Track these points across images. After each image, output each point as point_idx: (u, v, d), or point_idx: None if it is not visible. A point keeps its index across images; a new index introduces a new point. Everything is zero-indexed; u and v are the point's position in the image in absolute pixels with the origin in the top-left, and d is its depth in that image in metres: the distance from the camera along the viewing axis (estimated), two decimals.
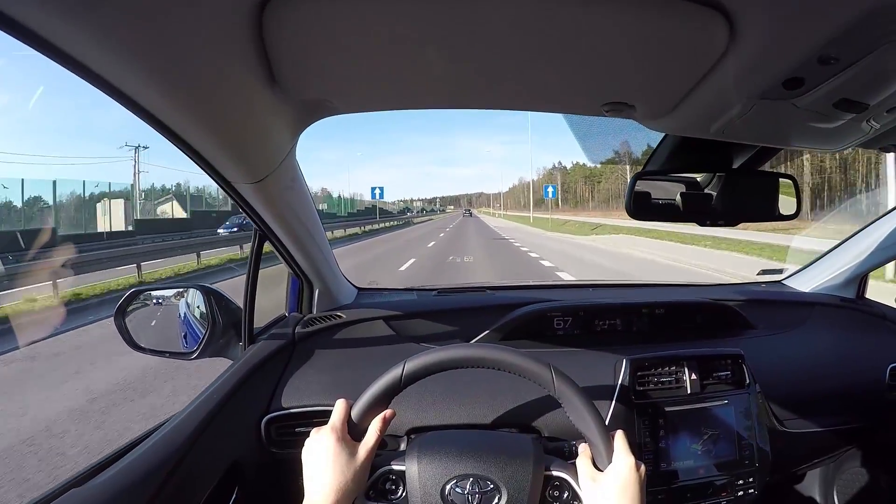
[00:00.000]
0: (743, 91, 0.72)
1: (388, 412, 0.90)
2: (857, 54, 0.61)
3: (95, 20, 0.51)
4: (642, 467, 0.84)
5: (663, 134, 1.05)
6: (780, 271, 2.11)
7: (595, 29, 0.61)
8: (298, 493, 0.84)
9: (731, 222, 1.12)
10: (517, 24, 0.60)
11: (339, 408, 0.89)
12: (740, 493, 1.20)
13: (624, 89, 0.79)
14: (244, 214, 1.15)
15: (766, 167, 1.14)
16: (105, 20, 0.52)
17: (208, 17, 0.56)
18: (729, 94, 0.74)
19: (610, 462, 0.84)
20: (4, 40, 0.55)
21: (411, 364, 0.89)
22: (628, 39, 0.63)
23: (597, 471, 0.85)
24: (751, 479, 1.20)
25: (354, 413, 0.89)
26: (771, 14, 0.57)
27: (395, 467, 0.90)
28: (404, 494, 0.88)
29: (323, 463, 0.83)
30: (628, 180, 1.09)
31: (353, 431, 0.88)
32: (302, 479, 0.85)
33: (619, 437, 0.86)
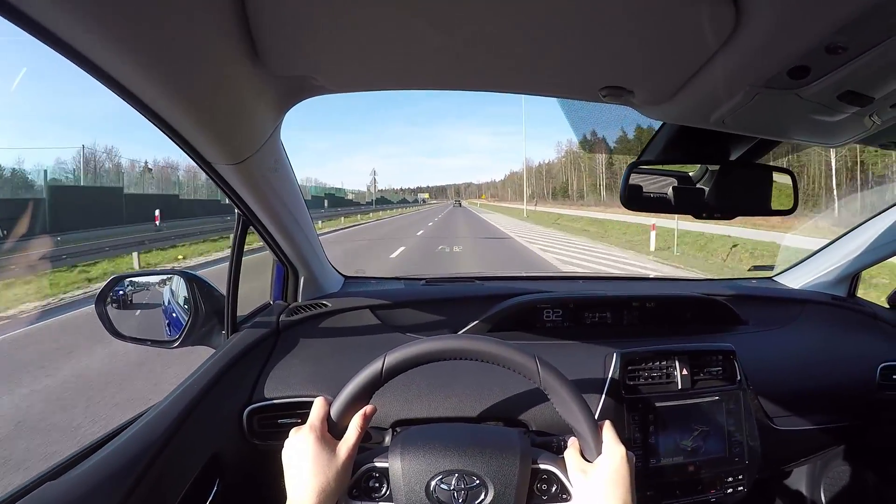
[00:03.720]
0: (746, 78, 0.70)
1: (368, 408, 0.88)
2: (865, 45, 0.59)
3: None
4: (633, 458, 0.83)
5: (660, 123, 1.03)
6: (771, 267, 2.11)
7: (596, 7, 0.59)
8: (280, 486, 0.82)
9: (726, 216, 1.10)
10: (514, 2, 0.58)
11: (317, 406, 0.87)
12: (729, 490, 1.19)
13: (623, 73, 0.76)
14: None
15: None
16: None
17: None
18: (732, 82, 0.72)
19: (599, 453, 0.83)
20: None
21: (392, 357, 0.86)
22: (630, 20, 0.61)
23: (586, 462, 0.84)
24: (740, 476, 1.20)
25: (333, 411, 0.86)
26: None
27: (379, 464, 0.87)
28: (388, 492, 0.86)
29: (303, 464, 0.80)
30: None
31: (334, 429, 0.85)
32: (283, 470, 0.83)
33: (608, 428, 0.85)
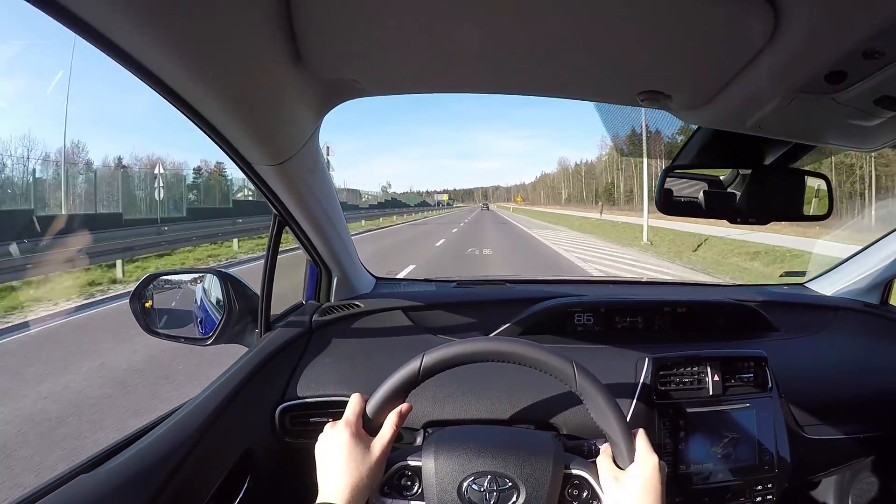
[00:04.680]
0: (783, 83, 0.70)
1: (404, 406, 0.88)
2: None
3: None
4: (665, 467, 0.83)
5: (696, 127, 1.03)
6: (802, 274, 2.07)
7: (636, 14, 0.60)
8: (311, 484, 0.83)
9: (759, 221, 1.09)
10: (554, 5, 0.59)
11: (353, 402, 0.88)
12: (758, 499, 1.18)
13: (661, 77, 0.77)
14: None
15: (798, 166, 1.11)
16: None
17: None
18: (769, 87, 0.72)
19: (632, 461, 0.82)
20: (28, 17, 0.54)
21: (430, 357, 0.87)
22: (669, 25, 0.62)
23: (618, 469, 0.84)
24: (769, 486, 1.18)
25: (370, 407, 0.87)
26: (818, 4, 0.55)
27: (412, 463, 0.88)
28: (420, 490, 0.87)
29: (337, 459, 0.81)
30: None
31: (368, 426, 0.86)
32: (315, 470, 0.84)
33: (641, 436, 0.85)
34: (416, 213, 73.15)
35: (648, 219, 22.42)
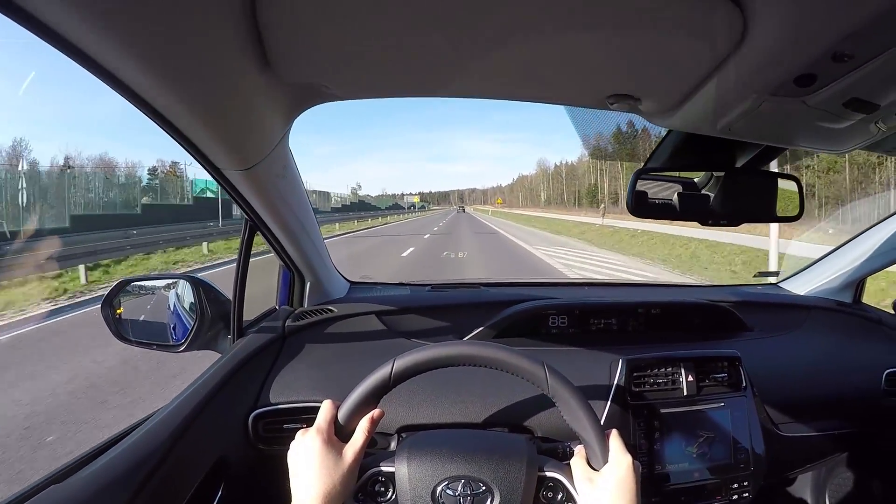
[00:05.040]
0: (753, 86, 0.71)
1: (376, 412, 0.88)
2: (871, 53, 0.60)
3: (87, 4, 0.50)
4: (639, 467, 0.83)
5: (667, 130, 1.03)
6: (776, 274, 2.10)
7: (604, 18, 0.59)
8: (285, 491, 0.82)
9: (731, 222, 1.10)
10: (523, 10, 0.58)
11: (325, 409, 0.87)
12: (734, 497, 1.19)
13: (630, 81, 0.77)
14: None
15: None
16: (95, 3, 0.50)
17: None
18: (739, 90, 0.72)
19: (605, 462, 0.82)
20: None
21: (400, 362, 0.86)
22: (638, 30, 0.61)
23: (592, 471, 0.84)
24: (745, 483, 1.19)
25: (341, 414, 0.86)
26: (788, 8, 0.55)
27: (385, 469, 0.87)
28: (394, 497, 0.86)
29: (309, 466, 0.80)
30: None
31: (341, 433, 0.85)
32: (289, 477, 0.82)
33: (615, 437, 0.85)
34: (380, 217, 63.14)
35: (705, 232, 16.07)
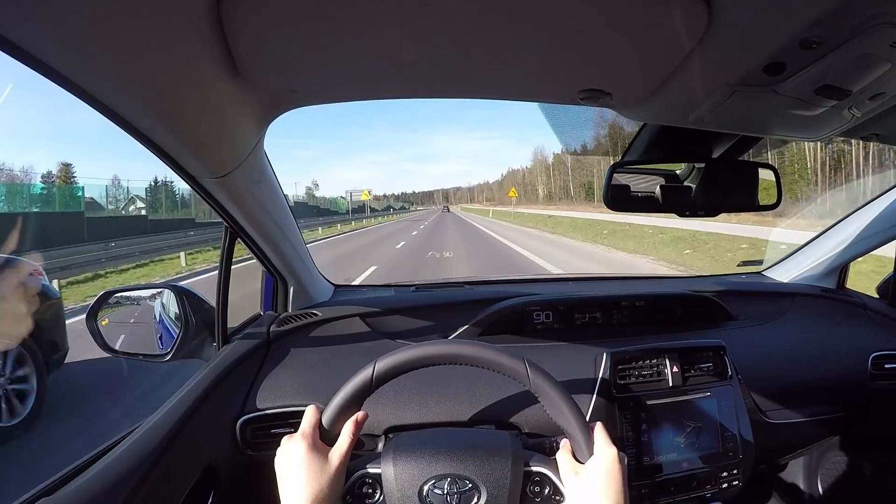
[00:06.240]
0: (722, 77, 0.71)
1: (360, 415, 0.88)
2: (840, 38, 0.60)
3: (49, 12, 0.49)
4: (624, 458, 0.83)
5: (642, 123, 1.04)
6: (759, 262, 2.12)
7: (570, 13, 0.59)
8: (275, 496, 0.82)
9: (711, 213, 1.11)
10: (489, 9, 0.58)
11: (309, 414, 0.87)
12: (724, 485, 1.19)
13: (600, 76, 0.77)
14: None
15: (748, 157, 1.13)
16: (58, 11, 0.49)
17: (166, 6, 0.54)
18: (708, 80, 0.72)
19: (591, 454, 0.83)
20: None
21: (382, 364, 0.86)
22: (604, 24, 0.61)
23: (578, 464, 0.84)
24: (735, 471, 1.20)
25: (325, 418, 0.86)
26: None
27: (371, 470, 0.87)
28: (382, 498, 0.86)
29: (296, 472, 0.80)
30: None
31: (326, 437, 0.85)
32: (277, 480, 0.83)
33: (599, 429, 0.85)
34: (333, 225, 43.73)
35: None
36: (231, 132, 0.89)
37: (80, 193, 29.24)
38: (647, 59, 0.70)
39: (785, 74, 0.69)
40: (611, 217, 24.67)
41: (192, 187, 0.98)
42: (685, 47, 0.65)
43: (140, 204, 42.39)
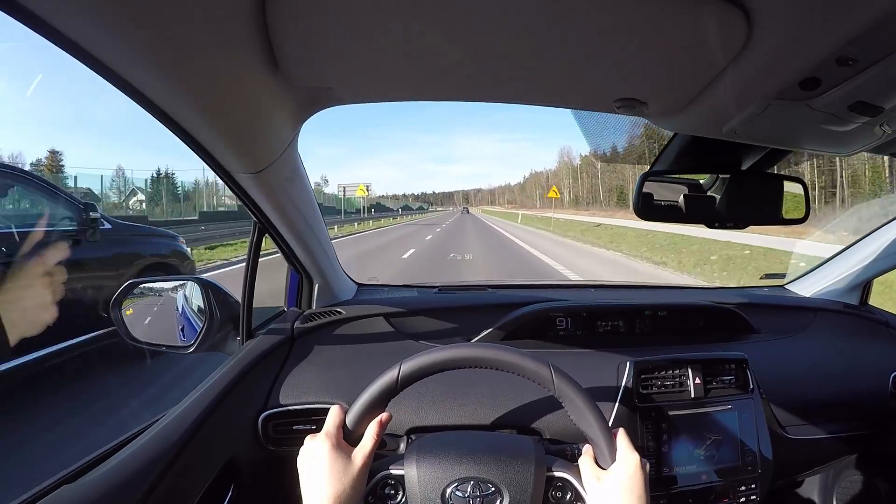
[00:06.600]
0: (758, 90, 0.71)
1: (384, 416, 0.88)
2: (875, 56, 0.61)
3: (97, 7, 0.50)
4: (647, 465, 0.83)
5: (672, 133, 1.04)
6: (783, 276, 2.10)
7: (611, 23, 0.60)
8: (296, 492, 0.82)
9: (737, 225, 1.11)
10: (531, 16, 0.59)
11: (333, 413, 0.87)
12: (742, 499, 1.19)
13: (637, 86, 0.77)
14: None
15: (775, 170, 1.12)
16: (106, 7, 0.50)
17: (210, 2, 0.55)
18: (744, 93, 0.73)
19: (613, 461, 0.83)
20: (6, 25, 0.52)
21: (407, 366, 0.87)
22: (644, 35, 0.62)
23: (600, 469, 0.84)
24: (753, 486, 1.19)
25: (349, 419, 0.86)
26: (792, 11, 0.55)
27: (394, 472, 0.88)
28: (404, 499, 0.86)
29: (319, 471, 0.81)
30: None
31: (349, 437, 0.86)
32: (298, 477, 0.83)
33: (622, 435, 0.85)
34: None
35: None
36: (268, 129, 0.90)
37: (70, 183, 28.01)
38: (685, 70, 0.71)
39: (820, 90, 0.69)
40: (679, 230, 17.84)
41: (225, 182, 1.00)
42: (723, 60, 0.66)
43: (141, 196, 42.40)
